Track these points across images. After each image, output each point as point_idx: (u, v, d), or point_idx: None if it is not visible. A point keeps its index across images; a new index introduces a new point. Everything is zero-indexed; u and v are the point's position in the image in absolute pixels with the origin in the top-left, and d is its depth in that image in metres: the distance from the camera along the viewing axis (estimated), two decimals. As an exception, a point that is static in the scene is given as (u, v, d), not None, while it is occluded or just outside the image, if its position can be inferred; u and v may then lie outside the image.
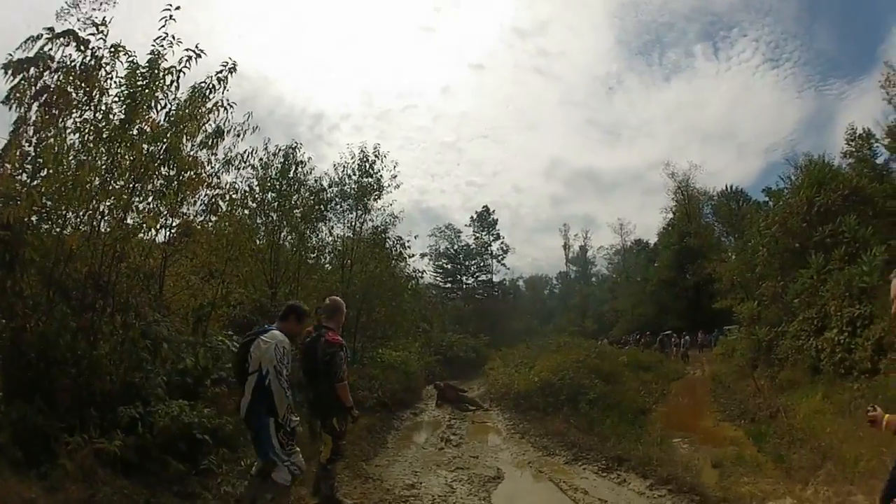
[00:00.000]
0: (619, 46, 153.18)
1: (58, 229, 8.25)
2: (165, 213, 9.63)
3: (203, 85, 9.49)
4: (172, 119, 9.13)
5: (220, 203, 11.11)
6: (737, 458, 11.12)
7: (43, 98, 7.96)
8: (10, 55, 7.96)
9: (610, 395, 20.26)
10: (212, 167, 10.26)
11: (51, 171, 7.90)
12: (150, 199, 9.13)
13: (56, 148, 8.01)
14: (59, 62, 8.16)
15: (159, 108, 9.02)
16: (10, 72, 7.90)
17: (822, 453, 9.60)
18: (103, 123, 8.47)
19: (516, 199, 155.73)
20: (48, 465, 6.63)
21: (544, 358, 23.47)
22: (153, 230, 9.36)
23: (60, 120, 8.10)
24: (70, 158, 8.23)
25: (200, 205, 10.73)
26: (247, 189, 15.92)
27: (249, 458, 8.42)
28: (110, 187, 8.49)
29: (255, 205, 17.19)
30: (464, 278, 79.97)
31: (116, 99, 8.63)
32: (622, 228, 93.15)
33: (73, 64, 8.23)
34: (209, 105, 9.59)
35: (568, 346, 27.93)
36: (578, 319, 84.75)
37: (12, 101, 7.87)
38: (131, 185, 8.69)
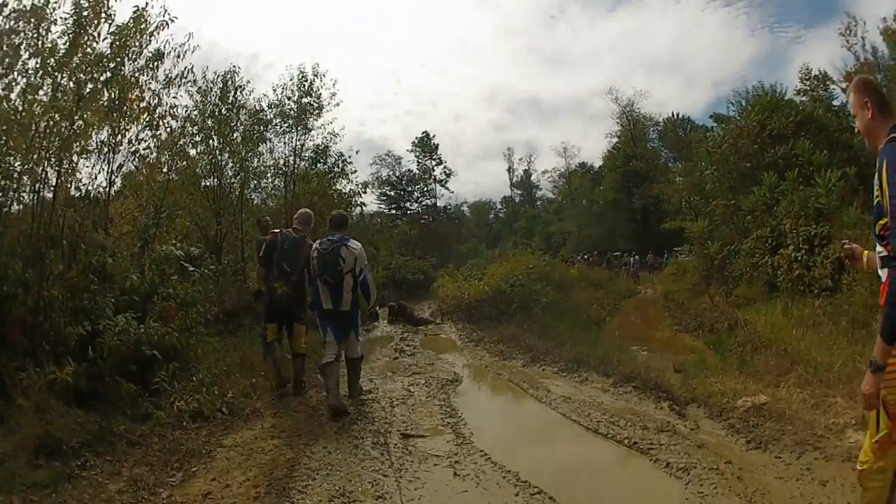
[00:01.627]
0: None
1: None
2: (108, 133, 9.62)
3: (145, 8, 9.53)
4: (116, 44, 9.20)
5: (162, 124, 10.99)
6: (699, 364, 10.99)
7: None
8: None
9: (562, 302, 20.70)
10: (151, 88, 10.25)
11: None
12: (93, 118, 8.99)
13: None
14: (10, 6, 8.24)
15: (103, 33, 9.05)
16: None
17: (790, 358, 9.57)
18: (50, 59, 8.49)
19: (457, 126, 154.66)
20: (3, 406, 6.63)
21: (494, 267, 23.66)
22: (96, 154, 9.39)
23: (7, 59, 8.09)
24: (12, 94, 8.23)
25: (142, 123, 10.47)
26: (186, 116, 15.34)
27: (201, 372, 8.75)
28: (53, 114, 8.35)
29: (195, 131, 16.67)
30: (408, 204, 79.80)
31: (60, 34, 8.66)
32: (566, 152, 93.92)
33: (23, 6, 8.34)
34: (151, 27, 9.71)
35: (518, 256, 28.21)
36: (525, 241, 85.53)
37: None
38: (75, 108, 8.57)
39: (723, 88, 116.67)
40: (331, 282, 8.72)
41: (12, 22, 8.22)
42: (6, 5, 8.14)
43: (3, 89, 8.10)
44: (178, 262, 10.62)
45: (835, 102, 24.50)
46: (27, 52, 8.36)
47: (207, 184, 17.43)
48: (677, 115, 75.65)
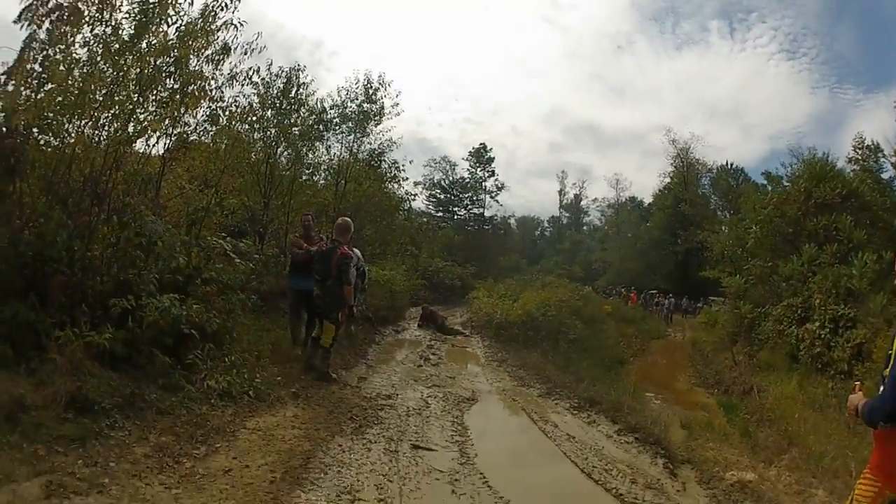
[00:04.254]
0: (633, 8, 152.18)
1: (57, 140, 8.39)
2: (167, 122, 9.73)
3: (214, 3, 9.58)
4: (182, 34, 9.27)
5: (221, 115, 11.29)
6: (706, 424, 11.28)
7: (55, 16, 8.00)
8: None
9: (589, 338, 20.72)
10: (216, 81, 10.28)
11: (56, 85, 8.00)
12: (152, 108, 9.20)
13: (62, 63, 8.12)
14: None
15: (170, 23, 9.13)
16: None
17: (788, 438, 9.73)
18: (112, 38, 8.57)
19: (514, 140, 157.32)
20: (38, 361, 6.75)
21: (529, 292, 23.62)
22: (153, 138, 9.51)
23: (70, 36, 8.18)
24: (76, 72, 8.30)
25: (202, 116, 10.88)
26: (247, 105, 15.68)
27: (234, 355, 9.04)
28: (115, 98, 8.58)
29: (254, 119, 16.90)
30: (456, 210, 79.81)
31: (127, 15, 8.70)
32: (618, 184, 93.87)
33: None
34: (219, 23, 9.72)
35: (553, 285, 28.25)
36: (566, 264, 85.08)
37: (24, 20, 7.90)
38: (136, 97, 8.79)
39: (779, 143, 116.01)
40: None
41: None
42: None
43: (64, 65, 8.18)
44: (225, 253, 10.93)
45: (884, 175, 24.42)
46: (89, 28, 8.44)
47: (261, 169, 17.62)
48: (731, 164, 75.21)
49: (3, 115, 7.64)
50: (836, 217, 18.11)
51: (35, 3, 7.89)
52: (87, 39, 8.45)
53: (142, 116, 8.95)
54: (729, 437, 10.32)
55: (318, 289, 10.81)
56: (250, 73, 11.74)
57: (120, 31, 8.62)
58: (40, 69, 7.92)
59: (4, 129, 7.58)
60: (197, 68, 9.65)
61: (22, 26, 7.85)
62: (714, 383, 17.46)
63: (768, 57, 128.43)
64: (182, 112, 9.74)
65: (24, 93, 7.77)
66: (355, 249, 11.16)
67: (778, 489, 7.56)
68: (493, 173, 79.84)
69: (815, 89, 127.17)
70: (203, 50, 9.66)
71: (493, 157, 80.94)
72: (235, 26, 9.84)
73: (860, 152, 28.72)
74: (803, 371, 15.03)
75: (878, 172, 25.18)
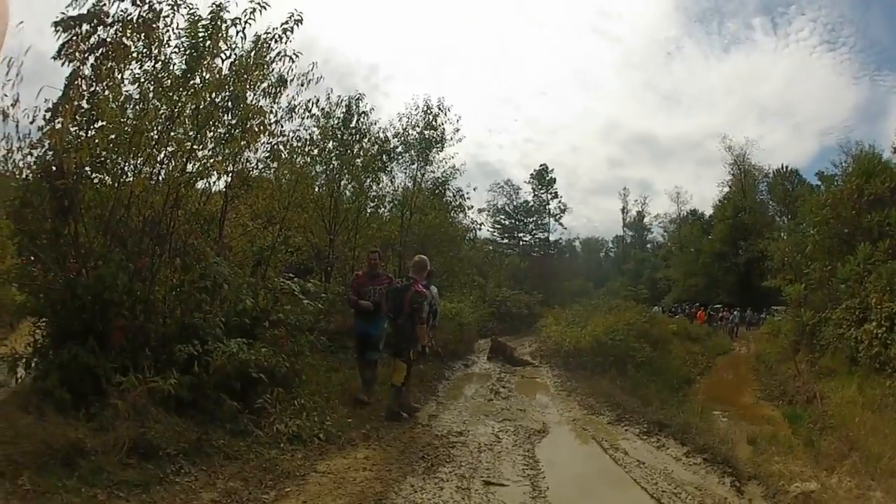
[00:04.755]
0: (678, 12, 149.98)
1: (112, 180, 8.54)
2: (228, 159, 9.88)
3: (268, 35, 9.75)
4: (236, 68, 9.39)
5: (283, 149, 11.39)
6: (771, 438, 11.26)
7: (99, 52, 8.11)
8: (64, 13, 8.05)
9: (657, 360, 20.60)
10: (274, 115, 10.49)
11: (106, 123, 8.15)
12: (210, 146, 9.41)
13: (111, 101, 8.28)
14: (113, 16, 8.28)
15: (223, 57, 9.27)
16: (61, 29, 7.98)
17: (849, 443, 9.70)
18: (163, 74, 8.74)
19: (573, 158, 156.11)
20: (98, 406, 6.87)
21: (596, 318, 23.42)
22: (214, 176, 9.66)
23: (117, 72, 8.29)
24: (127, 109, 8.56)
25: (262, 152, 10.99)
26: (308, 137, 16.00)
27: (303, 398, 9.09)
28: (171, 135, 8.76)
29: (316, 152, 17.33)
30: (521, 235, 79.49)
31: (176, 50, 8.86)
32: (679, 197, 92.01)
33: (129, 17, 8.35)
34: (273, 55, 9.85)
35: (620, 308, 28.04)
36: (632, 284, 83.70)
37: (64, 56, 7.98)
38: (193, 133, 8.97)
39: (829, 138, 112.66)
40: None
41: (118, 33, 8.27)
42: (107, 15, 8.24)
43: (116, 102, 8.43)
44: (293, 293, 10.74)
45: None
46: (137, 65, 8.67)
47: (325, 204, 17.73)
48: (786, 167, 73.74)
49: (52, 153, 7.80)
50: (889, 212, 18.03)
51: (75, 38, 8.03)
52: (138, 76, 8.67)
53: (200, 154, 9.16)
54: (794, 449, 10.31)
55: (389, 326, 11.05)
56: (309, 105, 12.25)
57: (171, 67, 8.83)
58: (88, 106, 8.06)
59: (55, 168, 7.72)
60: (254, 102, 9.78)
61: (63, 63, 7.98)
62: (779, 395, 17.38)
63: (811, 50, 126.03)
64: (242, 148, 9.88)
65: (72, 130, 7.90)
66: (433, 287, 11.15)
67: (839, 496, 7.60)
68: (556, 195, 79.55)
69: (856, 79, 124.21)
70: (259, 83, 9.85)
71: (555, 179, 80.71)
72: (291, 58, 9.97)
73: (904, 140, 28.31)
74: (862, 373, 14.97)
75: (923, 159, 24.84)
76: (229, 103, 9.34)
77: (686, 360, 24.58)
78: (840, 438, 10.10)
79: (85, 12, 8.16)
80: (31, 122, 7.78)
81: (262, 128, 9.83)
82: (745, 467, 8.86)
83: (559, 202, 79.67)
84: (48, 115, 7.77)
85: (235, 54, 9.44)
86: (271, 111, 10.25)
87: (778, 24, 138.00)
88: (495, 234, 75.85)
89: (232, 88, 9.27)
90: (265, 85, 9.99)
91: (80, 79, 8.01)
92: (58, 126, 7.70)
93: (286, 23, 9.78)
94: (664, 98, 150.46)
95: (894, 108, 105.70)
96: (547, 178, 79.23)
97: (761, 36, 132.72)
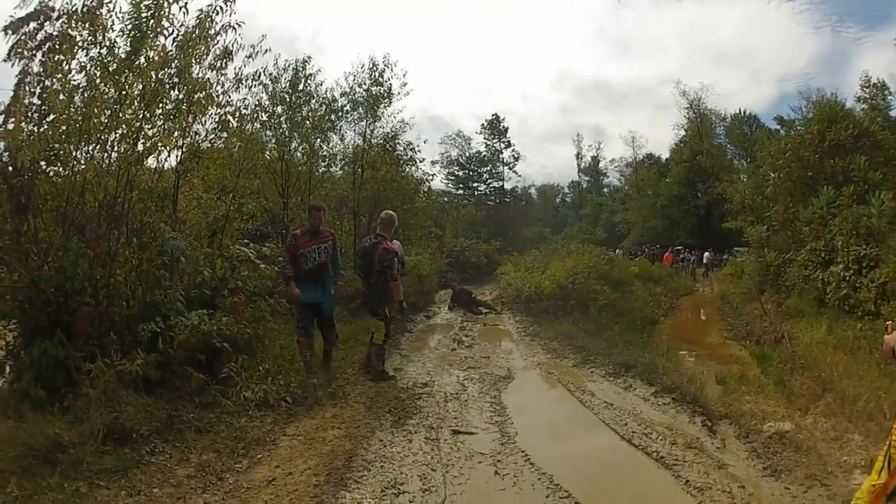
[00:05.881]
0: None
1: (66, 170, 8.41)
2: (177, 134, 9.81)
3: (210, 8, 9.54)
4: (181, 44, 9.26)
5: (231, 120, 11.16)
6: (740, 377, 11.26)
7: (46, 47, 7.95)
8: (12, 16, 7.91)
9: (619, 302, 20.65)
10: (221, 86, 10.34)
11: (58, 115, 8.04)
12: (160, 123, 9.31)
13: (62, 92, 8.15)
14: (59, 10, 8.12)
15: (167, 34, 9.09)
16: (9, 32, 7.83)
17: (822, 384, 9.67)
18: (109, 58, 8.57)
19: (524, 107, 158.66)
20: (71, 397, 6.89)
21: (556, 263, 23.29)
22: (165, 152, 9.50)
23: (65, 64, 8.13)
24: (76, 99, 8.39)
25: (211, 123, 10.84)
26: (257, 103, 15.79)
27: (267, 362, 9.10)
28: (120, 118, 8.61)
29: (265, 117, 17.41)
30: (476, 185, 79.80)
31: (121, 33, 8.67)
32: (634, 142, 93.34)
33: (74, 9, 8.18)
34: (217, 27, 9.70)
35: (579, 252, 28.00)
36: (590, 229, 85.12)
37: (14, 57, 7.82)
38: (141, 113, 8.82)
39: (788, 85, 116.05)
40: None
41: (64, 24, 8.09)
42: (53, 10, 8.04)
43: (65, 93, 8.26)
44: (249, 260, 10.78)
45: (892, 113, 24.20)
46: (83, 53, 8.40)
47: (276, 168, 17.86)
48: (744, 112, 75.19)
49: (6, 153, 7.66)
50: (851, 158, 18.12)
51: (23, 38, 7.86)
52: (84, 64, 8.46)
53: (150, 132, 9.03)
54: (764, 388, 10.34)
55: (363, 286, 10.99)
56: (257, 74, 12.04)
57: (116, 50, 8.64)
58: (39, 102, 7.92)
59: (10, 168, 7.60)
60: (200, 76, 9.69)
61: (13, 64, 7.81)
62: (745, 335, 17.39)
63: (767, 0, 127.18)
64: (191, 122, 9.84)
65: (25, 128, 7.78)
66: (396, 241, 10.87)
67: (815, 437, 7.62)
68: (508, 144, 79.78)
69: (817, 29, 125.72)
70: (204, 57, 9.71)
71: (507, 128, 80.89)
72: (234, 27, 9.86)
73: (867, 91, 28.66)
74: (832, 314, 15.01)
75: (887, 111, 25.06)
76: (175, 79, 9.27)
77: (649, 301, 24.66)
78: (812, 379, 10.06)
79: (32, 10, 8.01)
80: (-15, 124, 7.69)
81: (209, 100, 9.79)
82: (716, 407, 9.02)
83: (512, 151, 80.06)
84: (1, 117, 7.66)
85: (179, 30, 9.26)
86: (218, 83, 10.16)
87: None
88: (450, 185, 76.55)
89: (177, 64, 9.20)
90: (210, 58, 9.90)
91: (29, 76, 7.87)
92: (10, 126, 7.59)
93: None
94: (615, 44, 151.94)
95: (856, 59, 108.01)
96: (499, 128, 79.42)
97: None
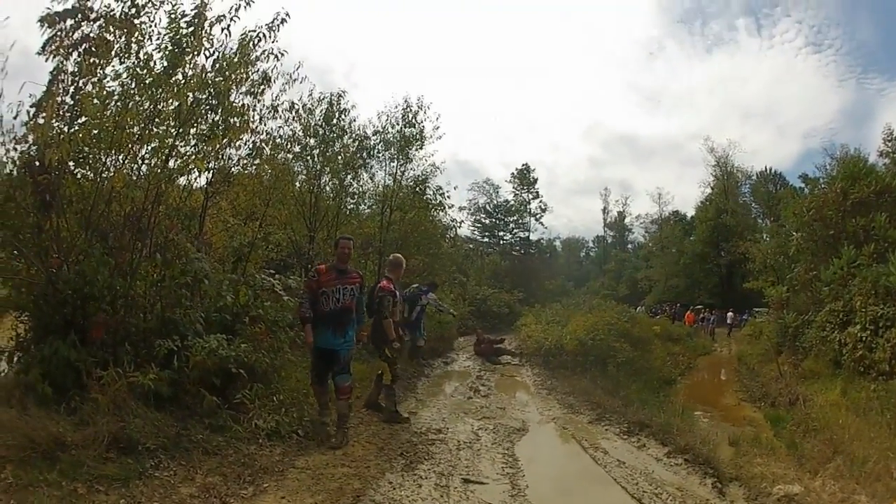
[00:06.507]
0: (661, 12, 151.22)
1: (94, 175, 8.49)
2: (210, 156, 9.80)
3: (253, 33, 9.54)
4: (220, 67, 9.23)
5: (265, 147, 11.22)
6: (753, 440, 11.24)
7: (82, 48, 8.05)
8: (49, 8, 7.99)
9: (638, 360, 20.60)
10: (258, 113, 10.31)
11: (89, 118, 8.10)
12: (193, 142, 9.24)
13: (96, 97, 8.20)
14: (97, 11, 8.22)
15: (206, 55, 9.15)
16: (45, 25, 7.93)
17: (833, 447, 9.62)
18: (144, 71, 8.55)
19: (553, 157, 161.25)
20: (78, 400, 6.93)
21: (577, 318, 23.34)
22: (195, 173, 9.56)
23: (100, 68, 8.22)
24: (110, 105, 8.37)
25: (244, 149, 10.86)
26: (290, 133, 15.94)
27: (282, 394, 9.08)
28: (153, 132, 8.65)
29: (297, 149, 17.48)
30: (502, 234, 79.58)
31: (157, 47, 8.70)
32: (660, 198, 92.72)
33: (112, 12, 8.27)
34: (258, 53, 9.67)
35: (600, 308, 28.05)
36: (612, 284, 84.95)
37: (48, 52, 7.94)
38: (175, 130, 8.81)
39: (813, 140, 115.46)
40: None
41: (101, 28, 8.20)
42: (91, 10, 8.16)
43: (98, 98, 8.28)
44: (273, 290, 10.75)
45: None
46: (118, 60, 8.47)
47: (305, 200, 17.86)
48: (770, 170, 75.02)
49: (35, 148, 7.73)
50: (873, 216, 17.96)
51: (59, 34, 7.98)
52: (119, 72, 8.52)
53: (182, 150, 9.03)
54: (776, 451, 10.29)
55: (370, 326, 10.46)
56: (293, 105, 12.23)
57: (152, 64, 8.64)
58: (72, 102, 8.02)
59: (38, 163, 7.66)
60: (238, 101, 9.60)
61: (47, 58, 7.93)
62: (760, 396, 17.40)
63: (796, 52, 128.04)
64: (224, 145, 9.77)
65: (56, 126, 7.84)
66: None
67: (823, 499, 7.56)
68: (537, 195, 79.63)
69: (842, 81, 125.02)
70: (243, 82, 9.65)
71: (537, 178, 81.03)
72: (276, 56, 9.82)
73: (890, 144, 28.41)
74: (846, 376, 14.91)
75: (911, 165, 24.85)
76: (213, 101, 9.16)
77: (667, 360, 24.68)
78: (823, 441, 10.04)
79: (70, 7, 8.10)
80: (15, 118, 7.74)
81: (245, 126, 9.71)
82: (727, 468, 8.90)
83: (540, 202, 79.89)
84: (32, 110, 7.75)
85: (219, 52, 9.29)
86: (254, 109, 10.08)
87: (763, 25, 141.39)
88: (476, 232, 76.26)
89: (214, 88, 9.11)
90: (249, 83, 9.83)
91: (63, 74, 7.95)
92: (41, 121, 7.67)
93: (272, 21, 9.63)
94: (646, 98, 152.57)
95: (880, 111, 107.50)
96: (528, 178, 79.39)
97: (745, 37, 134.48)
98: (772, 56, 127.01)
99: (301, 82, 11.43)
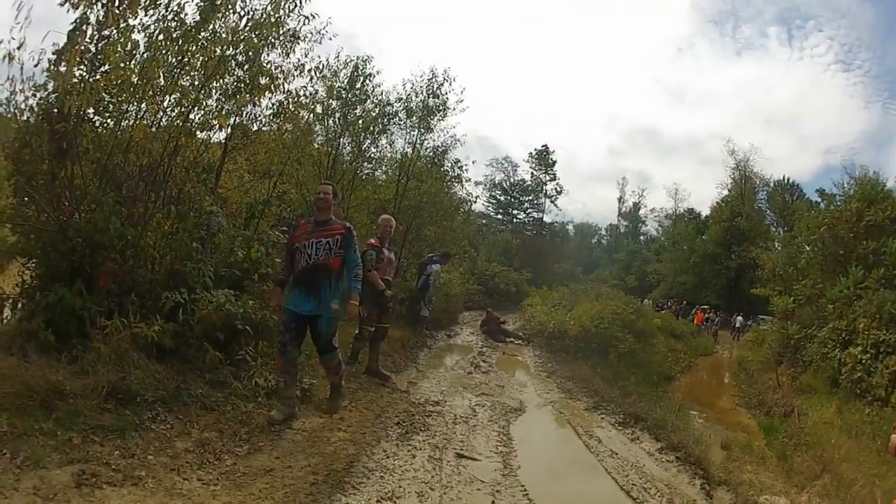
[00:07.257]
0: (694, 10, 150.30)
1: (113, 123, 8.47)
2: (232, 112, 9.63)
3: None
4: (252, 24, 9.12)
5: (289, 105, 11.03)
6: (745, 446, 11.40)
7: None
8: None
9: (639, 353, 20.72)
10: (283, 73, 9.95)
11: (112, 67, 7.97)
12: (216, 96, 9.12)
13: (120, 46, 8.07)
14: None
15: (240, 13, 9.04)
16: None
17: (822, 464, 9.73)
18: (174, 24, 8.45)
19: (573, 143, 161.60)
20: (80, 349, 6.91)
21: (584, 304, 23.41)
22: (216, 128, 9.45)
23: (124, 19, 8.05)
24: (135, 55, 8.28)
25: (267, 107, 10.72)
26: (313, 92, 15.88)
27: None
28: (178, 83, 8.59)
29: (319, 110, 17.41)
30: (515, 213, 79.91)
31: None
32: (677, 193, 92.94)
33: None
34: (288, 11, 9.55)
35: (607, 296, 28.24)
36: (621, 274, 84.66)
37: (70, 4, 7.77)
38: (200, 84, 8.75)
39: (834, 157, 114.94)
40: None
41: None
42: None
43: (121, 47, 8.09)
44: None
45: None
46: (143, 13, 8.23)
47: (323, 161, 17.88)
48: (787, 179, 74.79)
49: (55, 96, 7.65)
50: (885, 241, 18.01)
51: None
52: (146, 24, 8.35)
53: (205, 104, 8.93)
54: (766, 460, 10.42)
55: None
56: (320, 65, 12.17)
57: (182, 16, 8.51)
58: (95, 50, 7.91)
59: (56, 111, 7.60)
60: (268, 61, 9.53)
61: (68, 10, 7.76)
62: (757, 404, 17.44)
63: (825, 67, 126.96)
64: (247, 101, 9.56)
65: (77, 73, 7.73)
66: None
67: (807, 515, 7.63)
68: (554, 177, 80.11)
69: (868, 103, 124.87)
70: (275, 43, 9.56)
71: (556, 161, 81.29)
72: (307, 18, 9.78)
73: (911, 170, 28.17)
74: (843, 396, 15.00)
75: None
76: (241, 57, 9.14)
77: (668, 356, 24.78)
78: (814, 457, 10.13)
79: None
80: (36, 65, 7.64)
81: (271, 85, 9.54)
82: (717, 472, 9.03)
83: (556, 184, 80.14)
84: (53, 57, 7.66)
85: (252, 9, 9.19)
86: (280, 69, 9.84)
87: (794, 36, 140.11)
88: (490, 209, 76.52)
89: (246, 45, 9.09)
90: (279, 43, 9.71)
91: (86, 24, 7.84)
92: (62, 69, 7.62)
93: None
94: (670, 93, 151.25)
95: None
96: (547, 159, 79.41)
97: (776, 45, 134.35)
98: (800, 67, 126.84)
99: (332, 39, 11.55)
